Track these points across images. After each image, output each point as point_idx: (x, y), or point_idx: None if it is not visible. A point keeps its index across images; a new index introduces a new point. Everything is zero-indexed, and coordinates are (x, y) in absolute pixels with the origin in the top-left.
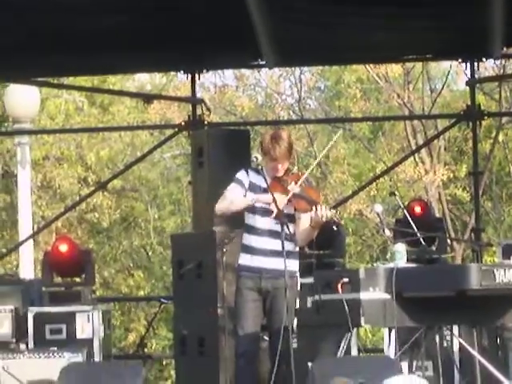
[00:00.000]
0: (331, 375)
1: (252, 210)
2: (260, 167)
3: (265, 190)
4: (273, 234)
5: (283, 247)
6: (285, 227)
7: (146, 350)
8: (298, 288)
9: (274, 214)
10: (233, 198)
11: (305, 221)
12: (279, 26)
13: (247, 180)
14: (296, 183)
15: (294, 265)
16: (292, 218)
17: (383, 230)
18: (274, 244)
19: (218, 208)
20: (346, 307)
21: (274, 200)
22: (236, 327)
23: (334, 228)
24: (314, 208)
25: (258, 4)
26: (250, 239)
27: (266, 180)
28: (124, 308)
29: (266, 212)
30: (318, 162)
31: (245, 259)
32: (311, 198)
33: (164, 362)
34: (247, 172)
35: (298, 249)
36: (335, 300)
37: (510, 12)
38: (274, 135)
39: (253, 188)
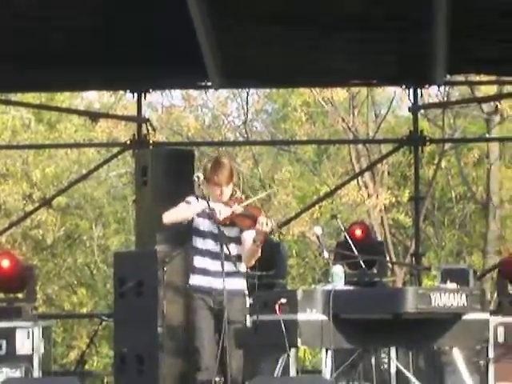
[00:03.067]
0: None
1: (199, 233)
2: (207, 197)
3: (210, 216)
4: (219, 255)
5: (223, 266)
6: (224, 246)
7: (86, 367)
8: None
9: (214, 219)
10: (180, 207)
11: (249, 240)
12: (225, 47)
13: (196, 204)
14: (239, 204)
15: (242, 284)
16: (237, 240)
17: (322, 252)
18: (220, 266)
19: (166, 216)
20: (283, 328)
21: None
22: (195, 345)
23: (277, 240)
24: (255, 222)
25: (203, 25)
26: (198, 261)
27: (209, 205)
28: (67, 325)
29: (212, 235)
30: (260, 197)
31: (195, 280)
32: (252, 213)
33: (106, 380)
34: (197, 198)
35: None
36: (273, 320)
37: (452, 40)
38: (215, 162)
39: (200, 214)
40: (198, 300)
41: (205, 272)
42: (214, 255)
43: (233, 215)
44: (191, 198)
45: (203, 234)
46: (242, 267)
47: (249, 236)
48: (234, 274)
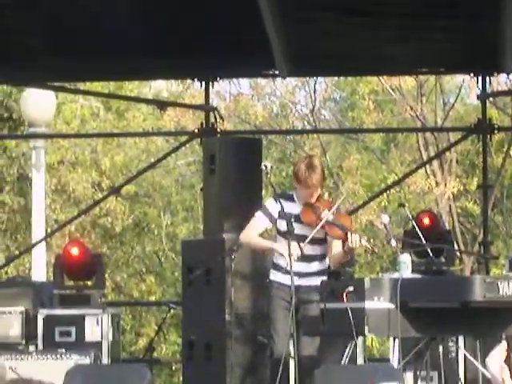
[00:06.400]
0: (334, 383)
1: (280, 233)
2: (292, 193)
3: (297, 217)
4: (305, 258)
5: (291, 265)
6: (292, 244)
7: (155, 354)
8: None
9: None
10: (253, 238)
11: (337, 245)
12: (293, 35)
13: (276, 209)
14: (329, 210)
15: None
16: (323, 241)
17: (389, 241)
18: (305, 267)
19: (242, 238)
20: (351, 316)
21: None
22: (271, 333)
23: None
24: (347, 235)
25: (271, 14)
26: (280, 259)
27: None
28: (135, 313)
29: (299, 237)
30: (345, 197)
31: (276, 276)
32: (344, 226)
33: (174, 367)
34: (276, 200)
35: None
36: (340, 309)
37: None
38: (308, 164)
39: (283, 216)
40: (276, 290)
41: (287, 271)
42: (301, 258)
43: (324, 223)
44: (270, 204)
45: (283, 235)
46: (325, 265)
47: (338, 241)
48: (320, 274)
